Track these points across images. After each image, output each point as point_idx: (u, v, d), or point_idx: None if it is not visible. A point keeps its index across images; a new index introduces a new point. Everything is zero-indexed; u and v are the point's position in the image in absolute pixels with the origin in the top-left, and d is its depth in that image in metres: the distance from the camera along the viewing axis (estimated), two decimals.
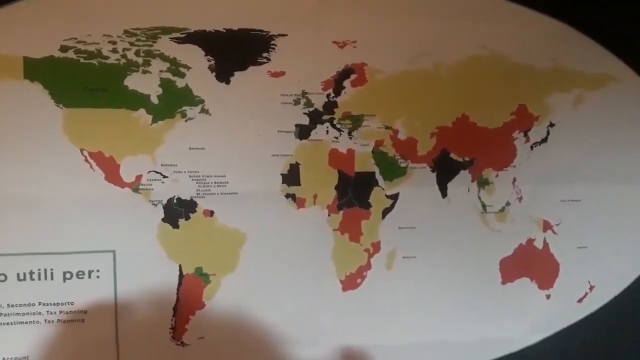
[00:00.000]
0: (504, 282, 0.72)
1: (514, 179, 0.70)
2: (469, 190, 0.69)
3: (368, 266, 0.68)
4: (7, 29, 0.55)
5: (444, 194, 0.69)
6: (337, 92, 0.64)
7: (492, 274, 0.72)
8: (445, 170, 0.68)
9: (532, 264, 0.72)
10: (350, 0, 0.61)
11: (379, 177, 0.67)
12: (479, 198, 0.70)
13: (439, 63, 0.65)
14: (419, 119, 0.66)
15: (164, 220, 0.62)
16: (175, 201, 0.62)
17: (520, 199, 0.71)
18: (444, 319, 0.71)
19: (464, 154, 0.69)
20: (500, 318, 0.73)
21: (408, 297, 0.70)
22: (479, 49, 0.66)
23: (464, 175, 0.69)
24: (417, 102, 0.66)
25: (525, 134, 0.69)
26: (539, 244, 0.72)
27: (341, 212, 0.67)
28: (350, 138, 0.65)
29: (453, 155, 0.68)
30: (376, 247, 0.68)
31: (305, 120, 0.64)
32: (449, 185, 0.69)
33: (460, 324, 0.72)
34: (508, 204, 0.71)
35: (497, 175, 0.70)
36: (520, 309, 0.73)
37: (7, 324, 0.60)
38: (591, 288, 0.74)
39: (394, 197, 0.68)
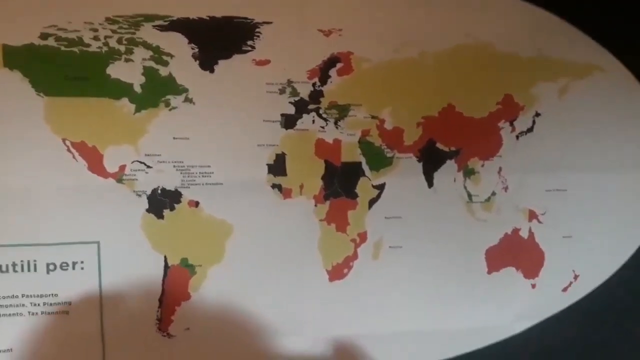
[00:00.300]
0: (489, 272, 0.72)
1: (500, 169, 0.70)
2: (455, 180, 0.69)
3: (354, 256, 0.68)
4: None
5: (430, 183, 0.69)
6: (323, 81, 0.64)
7: (477, 264, 0.72)
8: (431, 160, 0.68)
9: (517, 254, 0.73)
10: None
11: (365, 167, 0.67)
12: (465, 188, 0.70)
13: (425, 52, 0.65)
14: (405, 109, 0.66)
15: (148, 210, 0.62)
16: (159, 192, 0.62)
17: (506, 188, 0.71)
18: (431, 308, 0.71)
19: (450, 143, 0.68)
20: (486, 307, 0.73)
21: (395, 286, 0.70)
22: (464, 38, 0.66)
23: (450, 165, 0.69)
24: (404, 92, 0.66)
25: (511, 124, 0.69)
26: (524, 234, 0.72)
27: (327, 202, 0.66)
28: (337, 128, 0.65)
29: (439, 145, 0.68)
30: (362, 237, 0.68)
31: (291, 110, 0.64)
32: (435, 175, 0.69)
33: (447, 313, 0.72)
34: (494, 193, 0.71)
35: (482, 165, 0.70)
36: (506, 298, 0.73)
37: None
38: (576, 277, 0.75)
39: (381, 187, 0.67)
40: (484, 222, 0.71)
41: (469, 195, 0.70)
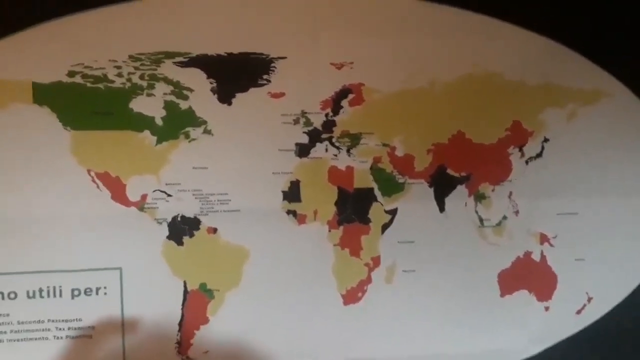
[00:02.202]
0: (502, 295, 0.72)
1: (510, 193, 0.71)
2: (466, 205, 0.70)
3: (368, 280, 0.69)
4: (17, 55, 0.56)
5: (441, 208, 0.69)
6: (336, 112, 0.65)
7: (490, 287, 0.72)
8: (442, 186, 0.69)
9: (530, 277, 0.72)
10: (346, 23, 0.62)
11: (377, 192, 0.67)
12: (476, 212, 0.70)
13: (434, 81, 0.66)
14: (415, 136, 0.67)
15: (168, 237, 0.63)
16: (179, 219, 0.63)
17: (517, 212, 0.71)
18: (444, 332, 0.71)
19: (460, 169, 0.69)
20: (500, 330, 0.73)
21: (408, 310, 0.70)
22: (472, 67, 0.67)
23: (461, 190, 0.70)
24: (414, 120, 0.67)
25: (520, 149, 0.70)
26: (536, 257, 0.72)
27: (341, 228, 0.67)
28: (349, 155, 0.66)
29: (450, 171, 0.69)
30: (376, 261, 0.69)
31: (305, 139, 0.65)
32: (447, 200, 0.69)
33: (460, 336, 0.72)
34: (505, 217, 0.71)
35: (493, 190, 0.70)
36: (520, 320, 0.73)
37: (18, 340, 0.61)
38: (589, 299, 0.74)
39: (393, 212, 0.68)
40: (496, 246, 0.71)
41: (481, 220, 0.70)
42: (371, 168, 0.67)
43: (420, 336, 0.71)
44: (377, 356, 0.70)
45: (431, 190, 0.69)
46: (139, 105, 0.60)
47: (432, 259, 0.70)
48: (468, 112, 0.68)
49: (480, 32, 0.66)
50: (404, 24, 0.64)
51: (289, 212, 0.66)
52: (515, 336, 0.74)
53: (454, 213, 0.70)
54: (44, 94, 0.58)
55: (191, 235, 0.64)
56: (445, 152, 0.68)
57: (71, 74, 0.58)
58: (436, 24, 0.65)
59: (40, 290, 0.61)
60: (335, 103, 0.65)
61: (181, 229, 0.63)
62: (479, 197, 0.70)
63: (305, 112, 0.64)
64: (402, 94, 0.66)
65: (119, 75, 0.59)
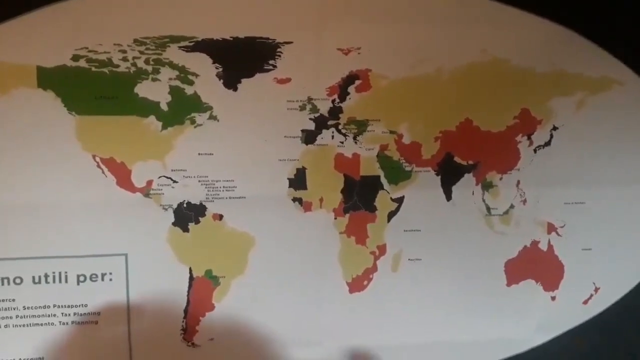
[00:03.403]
0: (509, 284, 0.71)
1: (518, 182, 0.69)
2: (473, 193, 0.68)
3: (374, 268, 0.68)
4: (21, 38, 0.55)
5: (448, 197, 0.68)
6: (342, 98, 0.63)
7: (497, 276, 0.71)
8: (449, 174, 0.67)
9: (536, 266, 0.71)
10: (353, 8, 0.61)
11: (384, 180, 0.66)
12: (484, 201, 0.69)
13: (441, 68, 0.64)
14: (422, 124, 0.66)
15: (174, 224, 0.62)
16: (185, 205, 0.62)
17: (524, 201, 0.70)
18: (450, 320, 0.71)
19: (468, 157, 0.68)
20: (506, 319, 0.72)
21: (414, 298, 0.69)
22: (480, 54, 0.65)
23: (468, 179, 0.68)
24: (421, 107, 0.65)
25: (529, 138, 0.68)
26: (543, 246, 0.71)
27: (347, 216, 0.66)
28: (356, 142, 0.65)
29: (457, 159, 0.67)
30: (382, 249, 0.68)
31: (311, 126, 0.63)
32: (454, 188, 0.68)
33: (466, 325, 0.71)
34: (512, 206, 0.70)
35: (501, 179, 0.69)
36: (526, 310, 0.72)
37: (23, 325, 0.61)
38: (596, 290, 0.73)
39: (399, 201, 0.67)
40: (503, 234, 0.70)
41: (488, 208, 0.69)
42: (378, 155, 0.65)
43: (426, 325, 0.70)
44: (382, 343, 0.70)
45: (438, 179, 0.67)
46: (144, 90, 0.59)
47: (438, 247, 0.69)
48: (476, 100, 0.66)
49: (488, 18, 0.64)
50: (412, 10, 0.62)
51: (294, 199, 0.65)
52: (522, 325, 0.73)
53: (461, 201, 0.68)
54: (48, 78, 0.57)
55: (197, 222, 0.63)
56: (453, 140, 0.67)
57: (75, 57, 0.57)
58: (444, 10, 0.63)
59: (46, 276, 0.60)
60: (342, 89, 0.63)
61: (187, 215, 0.62)
62: (487, 186, 0.69)
63: (312, 98, 0.63)
64: (409, 80, 0.64)
65: (124, 59, 0.58)
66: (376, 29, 0.62)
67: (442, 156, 0.67)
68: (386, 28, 0.62)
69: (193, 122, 0.61)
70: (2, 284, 0.59)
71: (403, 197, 0.67)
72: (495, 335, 0.72)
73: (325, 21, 0.61)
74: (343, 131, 0.64)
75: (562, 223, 0.71)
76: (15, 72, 0.56)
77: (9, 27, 0.55)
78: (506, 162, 0.69)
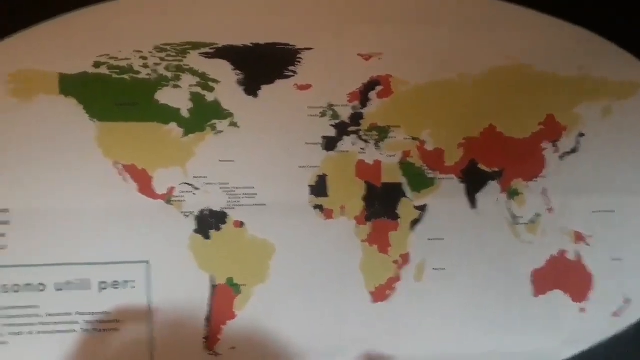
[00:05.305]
0: (536, 295, 0.65)
1: (544, 190, 0.64)
2: (498, 201, 0.64)
3: (397, 278, 0.63)
4: (44, 46, 0.54)
5: (472, 205, 0.63)
6: (363, 104, 0.60)
7: (523, 286, 0.65)
8: (473, 181, 0.63)
9: (564, 276, 0.66)
10: (374, 13, 0.58)
11: (406, 188, 0.62)
12: (509, 209, 0.64)
13: (464, 73, 0.61)
14: (445, 130, 0.62)
15: (195, 231, 0.59)
16: (206, 212, 0.59)
17: (550, 210, 0.64)
18: (475, 331, 0.65)
19: (492, 164, 0.63)
20: (533, 331, 0.66)
21: (438, 309, 0.64)
22: (503, 59, 0.61)
23: (493, 186, 0.63)
24: (444, 113, 0.61)
25: (555, 144, 0.63)
26: (571, 256, 0.65)
27: (369, 224, 0.62)
28: (377, 149, 0.61)
29: (481, 166, 0.63)
30: (405, 258, 0.63)
31: (332, 132, 0.60)
32: (478, 196, 0.63)
33: (491, 337, 0.65)
34: (538, 215, 0.64)
35: (526, 186, 0.64)
36: (554, 322, 0.66)
37: (46, 332, 0.57)
38: (627, 301, 0.67)
39: (422, 209, 0.62)
40: (529, 243, 0.65)
41: (513, 217, 0.64)
42: (400, 162, 0.61)
43: (450, 336, 0.65)
44: (405, 354, 0.64)
45: (462, 186, 0.63)
46: (165, 96, 0.57)
47: (462, 257, 0.64)
48: (500, 106, 0.62)
49: (512, 23, 0.60)
50: (433, 15, 0.59)
51: (315, 206, 0.61)
52: (549, 338, 0.67)
53: (486, 210, 0.63)
54: (70, 85, 0.55)
55: (218, 229, 0.59)
56: (477, 147, 0.62)
57: (97, 64, 0.55)
58: (467, 14, 0.59)
59: (69, 283, 0.57)
60: (363, 95, 0.60)
61: (208, 222, 0.59)
62: (512, 194, 0.64)
63: (332, 105, 0.59)
64: (431, 86, 0.60)
65: (145, 66, 0.56)
66: (397, 34, 0.59)
67: (466, 163, 0.63)
68: (408, 33, 0.59)
69: (214, 128, 0.58)
70: (26, 291, 0.57)
71: (426, 205, 0.62)
72: (521, 348, 0.66)
73: (346, 27, 0.58)
74: (364, 138, 0.61)
75: (591, 232, 0.65)
76: (38, 79, 0.54)
77: (32, 35, 0.54)
78: (531, 169, 0.64)
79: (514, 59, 0.61)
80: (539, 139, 0.63)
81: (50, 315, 0.57)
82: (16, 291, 0.56)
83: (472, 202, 0.63)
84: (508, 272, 0.65)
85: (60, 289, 0.57)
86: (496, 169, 0.63)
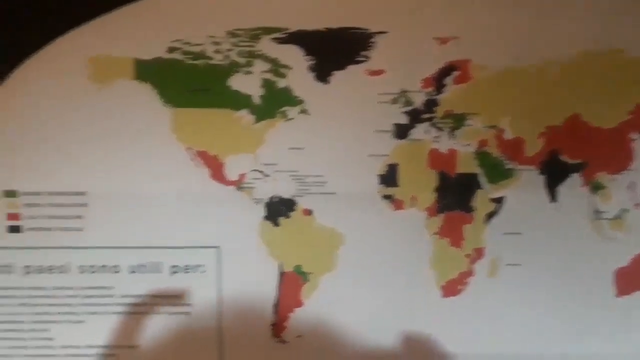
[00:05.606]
0: (619, 295, 0.60)
1: (632, 184, 0.59)
2: (580, 195, 0.59)
3: (470, 272, 0.60)
4: (119, 31, 0.54)
5: (552, 198, 0.59)
6: (438, 90, 0.57)
7: (605, 286, 0.60)
8: (554, 173, 0.59)
9: None
10: None
11: (482, 179, 0.58)
12: (591, 203, 0.59)
13: (549, 59, 0.56)
14: (526, 118, 0.58)
15: (265, 218, 0.58)
16: (276, 199, 0.58)
17: (637, 205, 0.59)
18: (550, 331, 0.61)
19: (575, 155, 0.59)
20: (613, 333, 0.61)
21: (511, 306, 0.61)
22: (592, 43, 0.56)
23: (575, 179, 0.59)
24: (525, 101, 0.57)
25: None
26: None
27: (441, 215, 0.59)
28: (452, 138, 0.58)
29: (563, 157, 0.58)
30: (479, 252, 0.60)
31: (404, 120, 0.57)
32: (559, 188, 0.59)
33: (568, 338, 0.61)
34: (624, 210, 0.59)
35: (612, 179, 0.59)
36: (637, 324, 0.61)
37: (120, 313, 0.59)
38: None
39: (499, 201, 0.59)
40: (613, 241, 0.60)
41: (596, 212, 0.60)
42: (476, 152, 0.58)
43: (524, 334, 0.61)
44: (475, 351, 0.61)
45: (542, 178, 0.59)
46: (237, 83, 0.56)
47: (540, 252, 0.60)
48: (586, 93, 0.57)
49: (601, 4, 0.56)
50: None
51: (385, 196, 0.58)
52: (632, 341, 0.62)
53: (567, 203, 0.59)
54: (145, 70, 0.55)
55: (287, 216, 0.58)
56: (559, 137, 0.58)
57: (171, 50, 0.55)
58: None
59: (141, 266, 0.58)
60: (438, 81, 0.57)
61: (278, 209, 0.58)
62: (596, 187, 0.59)
63: (405, 91, 0.57)
64: (512, 71, 0.57)
65: (218, 51, 0.55)
66: (477, 16, 0.55)
67: (547, 154, 0.58)
68: (488, 15, 0.55)
69: (284, 115, 0.57)
70: (102, 272, 0.58)
71: (503, 197, 0.59)
72: (600, 350, 0.62)
73: (422, 9, 0.55)
74: (438, 125, 0.58)
75: None
76: (114, 64, 0.55)
77: (108, 21, 0.54)
78: (618, 162, 0.59)
79: (604, 44, 0.56)
80: (627, 129, 0.58)
81: (124, 296, 0.58)
82: (92, 272, 0.58)
83: (552, 195, 0.59)
84: (588, 270, 0.60)
85: (134, 272, 0.58)
86: (579, 161, 0.59)
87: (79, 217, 0.57)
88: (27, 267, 0.58)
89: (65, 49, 0.55)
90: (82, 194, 0.57)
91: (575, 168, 0.59)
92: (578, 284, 0.60)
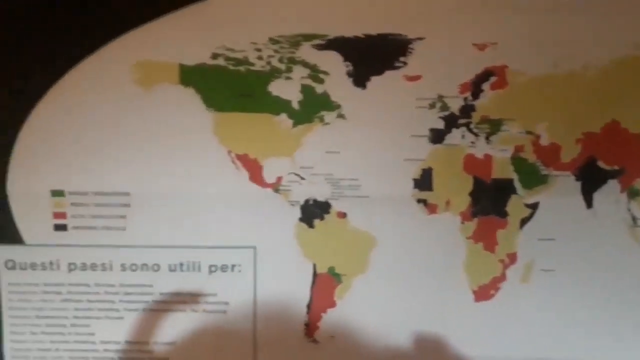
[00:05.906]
0: None
1: None
2: (617, 202, 0.58)
3: (503, 277, 0.59)
4: (165, 38, 0.55)
5: (589, 204, 0.58)
6: (475, 96, 0.57)
7: None
8: (591, 179, 0.58)
9: None
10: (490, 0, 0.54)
11: (517, 184, 0.58)
12: (629, 210, 0.58)
13: (588, 64, 0.56)
14: (563, 124, 0.57)
15: (300, 220, 0.59)
16: (311, 202, 0.59)
17: None
18: (584, 340, 0.60)
19: (613, 162, 0.58)
20: None
21: (545, 312, 0.60)
22: (633, 49, 0.55)
23: (612, 185, 0.58)
24: (562, 106, 0.57)
25: None
26: None
27: (475, 220, 0.59)
28: (488, 143, 0.57)
29: (600, 163, 0.58)
30: (512, 258, 0.59)
31: (440, 125, 0.57)
32: (595, 195, 0.58)
33: (602, 347, 0.60)
34: None
35: None
36: None
37: (159, 310, 0.60)
38: None
39: (534, 207, 0.58)
40: None
41: (634, 219, 0.59)
42: (512, 157, 0.58)
43: (556, 341, 0.60)
44: (507, 357, 0.61)
45: (578, 184, 0.58)
46: (278, 88, 0.57)
47: (575, 259, 0.59)
48: (625, 99, 0.57)
49: None
50: (554, 0, 0.53)
51: (419, 200, 0.58)
52: None
53: (603, 210, 0.58)
54: (189, 75, 0.56)
55: (322, 219, 0.59)
56: (597, 143, 0.57)
57: (214, 56, 0.56)
58: (591, 0, 0.53)
59: (181, 265, 0.59)
60: (476, 86, 0.56)
61: (313, 212, 0.59)
62: (633, 194, 0.58)
63: (442, 96, 0.57)
64: (550, 77, 0.56)
65: (259, 58, 0.56)
66: (515, 21, 0.55)
67: (584, 160, 0.58)
68: (526, 20, 0.55)
69: (322, 120, 0.57)
70: (142, 270, 0.59)
71: (538, 202, 0.58)
72: None
73: (459, 15, 0.55)
74: (475, 131, 0.57)
75: None
76: (159, 69, 0.56)
77: (153, 28, 0.55)
78: None
79: None
80: None
81: (162, 294, 0.59)
82: (134, 270, 0.59)
83: (588, 201, 0.58)
84: (624, 278, 0.59)
85: (174, 270, 0.59)
86: (616, 167, 0.58)
87: (122, 216, 0.58)
88: (71, 264, 0.59)
89: (114, 55, 0.56)
90: (126, 194, 0.58)
91: (613, 174, 0.58)
92: (612, 292, 0.59)
